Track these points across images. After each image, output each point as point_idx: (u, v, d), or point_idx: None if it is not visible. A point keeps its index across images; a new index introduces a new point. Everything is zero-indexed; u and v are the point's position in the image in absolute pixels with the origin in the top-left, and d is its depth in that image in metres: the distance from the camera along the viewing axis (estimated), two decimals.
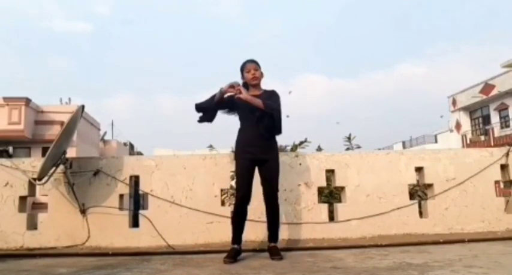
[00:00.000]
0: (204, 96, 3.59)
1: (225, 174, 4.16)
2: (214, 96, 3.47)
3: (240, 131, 3.51)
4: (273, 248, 3.34)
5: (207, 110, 3.53)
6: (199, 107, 3.54)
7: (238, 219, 3.36)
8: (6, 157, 4.35)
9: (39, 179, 3.76)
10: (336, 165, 4.25)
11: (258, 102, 3.33)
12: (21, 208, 4.00)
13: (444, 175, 4.31)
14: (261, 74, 3.54)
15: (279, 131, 3.45)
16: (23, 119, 18.50)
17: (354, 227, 4.12)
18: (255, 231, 3.96)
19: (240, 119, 3.53)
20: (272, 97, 3.46)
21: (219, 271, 2.82)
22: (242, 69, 3.54)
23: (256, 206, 4.06)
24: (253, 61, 3.54)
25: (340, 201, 4.45)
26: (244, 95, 3.33)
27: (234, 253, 3.27)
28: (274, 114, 3.36)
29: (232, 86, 3.38)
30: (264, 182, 3.41)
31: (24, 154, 18.04)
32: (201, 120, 3.58)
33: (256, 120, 3.38)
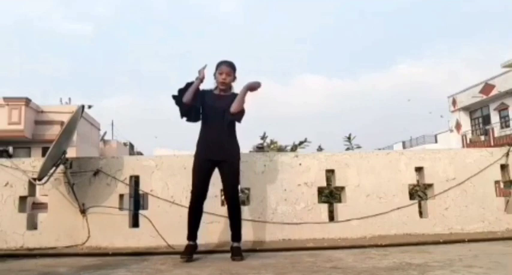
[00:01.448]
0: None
1: None
2: (188, 86, 3.32)
3: (203, 128, 3.43)
4: (236, 249, 3.30)
5: (189, 111, 3.39)
6: (180, 99, 3.33)
7: (194, 216, 3.37)
8: (6, 157, 4.34)
9: (39, 179, 3.76)
10: (336, 165, 4.25)
11: (241, 104, 3.33)
12: (21, 208, 4.00)
13: (444, 175, 4.31)
14: (233, 79, 3.47)
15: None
16: (23, 119, 18.51)
17: (354, 227, 4.12)
18: (255, 231, 3.96)
19: (204, 116, 3.42)
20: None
21: (219, 271, 2.82)
22: (217, 67, 3.44)
23: (256, 206, 4.07)
24: (229, 65, 3.44)
25: (340, 201, 4.45)
26: (244, 93, 3.33)
27: (191, 249, 3.28)
28: (236, 119, 3.39)
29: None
30: (223, 183, 3.40)
31: (24, 154, 18.00)
32: (189, 119, 3.44)
33: (221, 118, 3.34)
